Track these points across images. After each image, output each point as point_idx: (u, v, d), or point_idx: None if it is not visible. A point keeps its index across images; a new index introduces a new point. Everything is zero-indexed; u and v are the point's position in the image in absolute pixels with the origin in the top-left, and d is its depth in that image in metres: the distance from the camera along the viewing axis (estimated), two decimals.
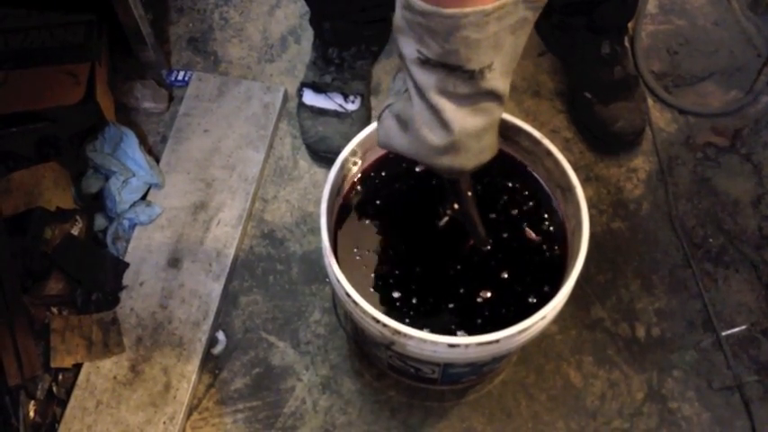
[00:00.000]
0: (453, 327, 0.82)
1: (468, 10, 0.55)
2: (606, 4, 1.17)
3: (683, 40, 1.36)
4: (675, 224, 1.17)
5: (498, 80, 0.62)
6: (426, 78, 0.62)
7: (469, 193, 0.77)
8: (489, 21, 0.56)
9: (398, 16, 0.60)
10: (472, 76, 0.60)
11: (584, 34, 1.22)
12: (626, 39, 1.27)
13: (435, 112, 0.63)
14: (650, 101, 1.29)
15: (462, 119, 0.63)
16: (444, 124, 0.64)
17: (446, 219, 0.87)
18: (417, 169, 0.92)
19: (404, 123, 0.68)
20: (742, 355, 1.07)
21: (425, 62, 0.60)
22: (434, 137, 0.65)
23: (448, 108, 0.62)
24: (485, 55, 0.59)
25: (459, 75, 0.60)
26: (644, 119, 1.23)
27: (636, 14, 1.30)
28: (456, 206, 0.82)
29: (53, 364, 1.00)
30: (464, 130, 0.64)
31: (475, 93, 0.62)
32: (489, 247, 0.85)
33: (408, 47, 0.61)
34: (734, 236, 1.16)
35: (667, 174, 1.21)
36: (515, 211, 0.89)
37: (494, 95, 0.63)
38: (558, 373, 1.06)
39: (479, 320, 0.82)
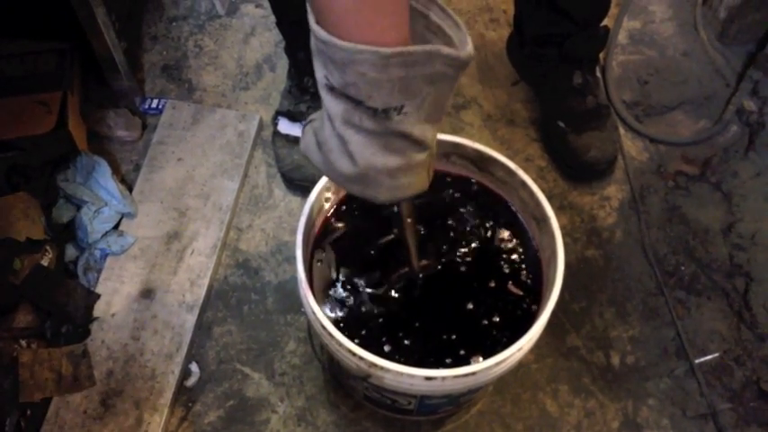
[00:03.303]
0: (430, 358, 0.82)
1: (360, 47, 0.54)
2: (578, 35, 1.19)
3: (653, 70, 1.39)
4: (648, 252, 1.18)
5: (413, 125, 0.61)
6: (334, 106, 0.61)
7: (409, 220, 0.76)
8: (389, 64, 0.55)
9: (311, 40, 0.59)
10: (376, 113, 0.59)
11: (556, 65, 1.23)
12: (597, 69, 1.29)
13: (342, 141, 0.62)
14: (622, 130, 1.31)
15: (370, 155, 0.62)
16: (350, 155, 0.63)
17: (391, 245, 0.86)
18: (375, 209, 0.91)
19: (319, 143, 0.67)
20: (715, 382, 1.08)
21: (332, 89, 0.59)
22: (342, 165, 0.64)
23: (354, 140, 0.62)
24: (389, 96, 0.57)
25: (363, 109, 0.59)
26: (616, 148, 1.24)
27: (607, 45, 1.32)
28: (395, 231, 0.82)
29: (21, 399, 0.97)
30: (371, 166, 0.63)
31: (383, 131, 0.60)
32: (420, 277, 0.84)
33: (318, 71, 0.60)
34: (705, 264, 1.17)
35: (639, 202, 1.23)
36: (490, 242, 0.90)
37: (408, 138, 0.62)
38: (535, 402, 1.06)
39: (456, 351, 0.82)
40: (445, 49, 0.56)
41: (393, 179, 0.65)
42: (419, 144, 0.63)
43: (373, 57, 0.54)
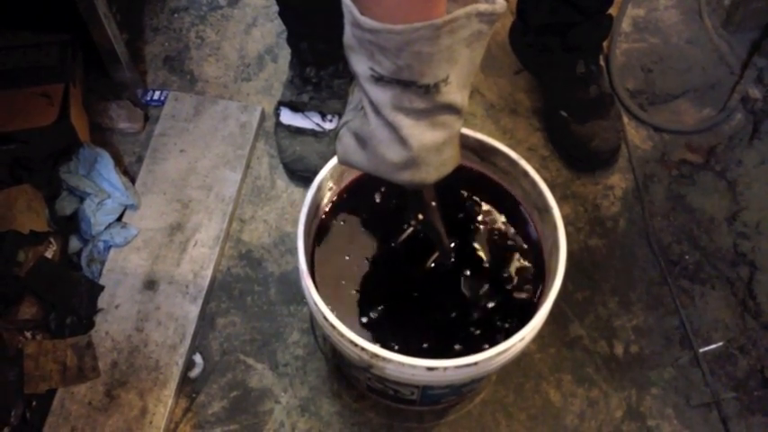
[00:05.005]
0: (433, 347, 0.82)
1: (417, 25, 0.54)
2: (581, 24, 1.18)
3: (658, 58, 1.38)
4: (652, 241, 1.17)
5: (455, 93, 0.61)
6: (381, 95, 0.61)
7: (433, 203, 0.77)
8: (441, 34, 0.55)
9: (348, 34, 0.59)
10: (427, 90, 0.59)
11: (559, 54, 1.23)
12: (601, 57, 1.29)
13: (392, 128, 0.62)
14: (625, 118, 1.30)
15: (420, 134, 0.62)
16: (402, 141, 0.63)
17: (411, 232, 0.87)
18: (377, 200, 0.92)
19: (362, 141, 0.67)
20: (719, 371, 1.07)
21: (379, 79, 0.59)
22: (393, 153, 0.64)
23: (405, 124, 0.62)
24: (439, 69, 0.58)
25: (414, 90, 0.59)
26: (619, 137, 1.24)
27: (610, 33, 1.31)
28: (420, 217, 0.82)
29: (27, 390, 0.98)
30: (423, 146, 0.63)
31: (432, 107, 0.61)
32: (453, 259, 0.85)
33: (360, 64, 0.60)
34: (709, 252, 1.17)
35: (643, 191, 1.22)
36: (493, 232, 0.90)
37: (451, 108, 0.62)
38: (538, 391, 1.06)
39: (458, 341, 0.82)
40: (482, 6, 0.57)
41: (440, 155, 0.65)
42: (459, 112, 0.63)
43: (428, 31, 0.55)
